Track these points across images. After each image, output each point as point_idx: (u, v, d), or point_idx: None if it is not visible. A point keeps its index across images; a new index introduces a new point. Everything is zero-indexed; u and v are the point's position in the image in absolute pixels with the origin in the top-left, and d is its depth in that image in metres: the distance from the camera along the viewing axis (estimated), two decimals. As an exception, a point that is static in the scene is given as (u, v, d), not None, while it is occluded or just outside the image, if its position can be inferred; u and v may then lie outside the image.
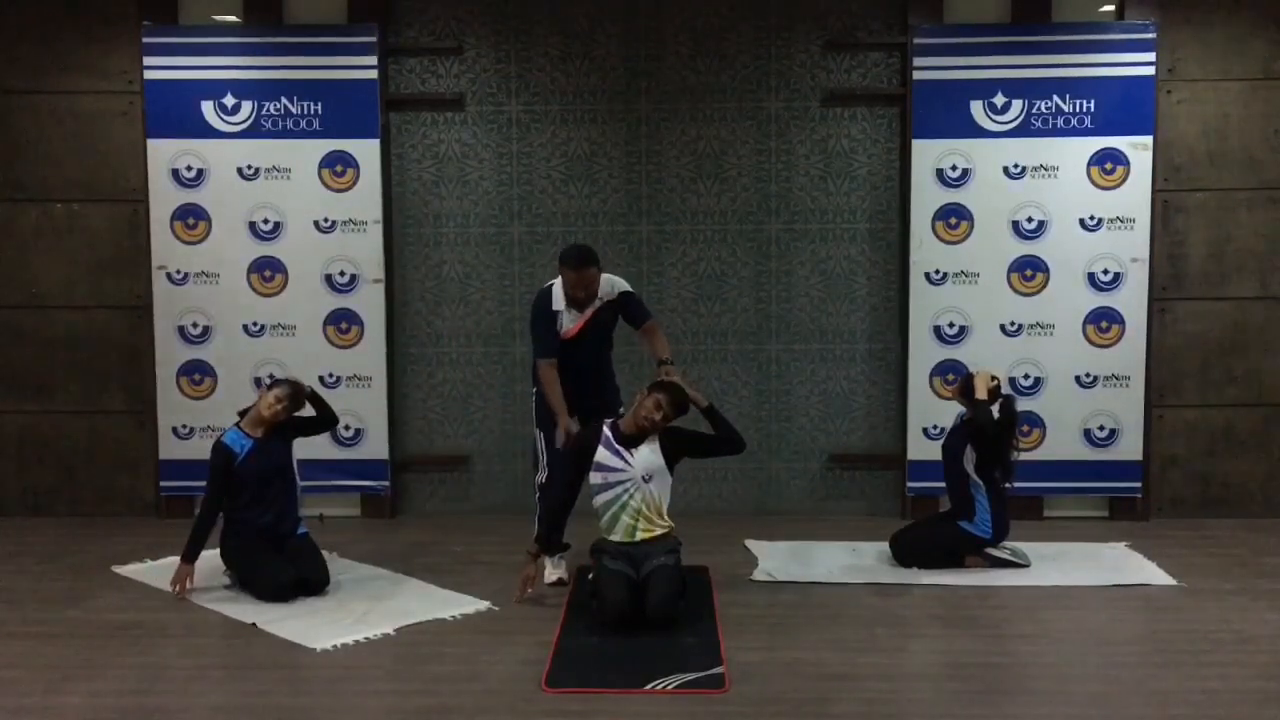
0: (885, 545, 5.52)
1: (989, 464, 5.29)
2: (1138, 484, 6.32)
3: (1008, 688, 3.99)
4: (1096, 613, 4.77)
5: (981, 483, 5.30)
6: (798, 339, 6.48)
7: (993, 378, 5.39)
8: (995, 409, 5.31)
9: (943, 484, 5.59)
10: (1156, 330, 6.28)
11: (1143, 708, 3.78)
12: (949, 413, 5.80)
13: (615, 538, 4.73)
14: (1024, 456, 5.72)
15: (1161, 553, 5.60)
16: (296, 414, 5.21)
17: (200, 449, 5.81)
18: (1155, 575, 5.24)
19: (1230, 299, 6.29)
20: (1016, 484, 5.48)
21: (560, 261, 4.98)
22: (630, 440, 4.76)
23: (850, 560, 5.50)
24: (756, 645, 4.33)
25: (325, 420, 5.33)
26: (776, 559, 5.52)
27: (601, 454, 4.74)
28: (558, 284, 5.02)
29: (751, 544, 5.79)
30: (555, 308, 4.98)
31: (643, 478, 4.73)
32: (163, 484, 6.42)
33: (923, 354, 6.29)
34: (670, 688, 3.90)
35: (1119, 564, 5.45)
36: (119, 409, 6.46)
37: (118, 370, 6.44)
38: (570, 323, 5.00)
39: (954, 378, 6.04)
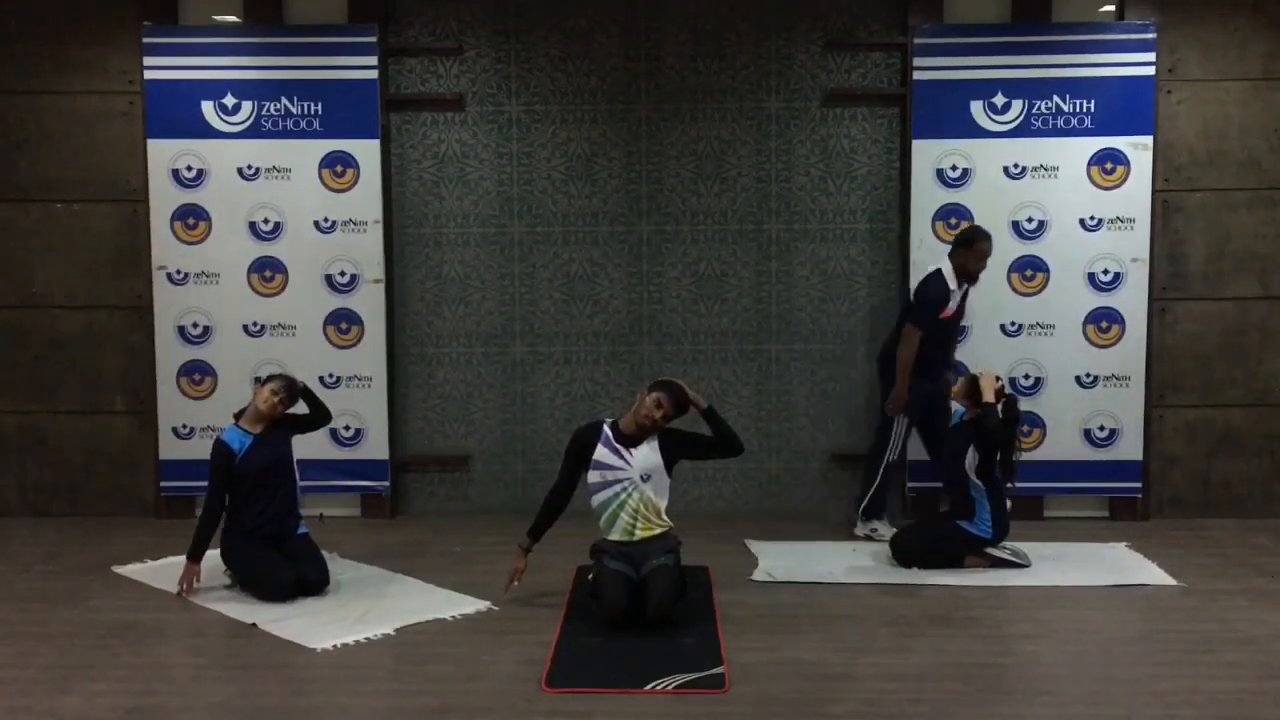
0: (885, 545, 5.52)
1: (991, 465, 5.28)
2: (1138, 484, 6.32)
3: (1008, 688, 3.98)
4: (1096, 613, 4.77)
5: (982, 484, 5.30)
6: (798, 339, 6.48)
7: (997, 378, 5.39)
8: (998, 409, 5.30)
9: (941, 484, 5.59)
10: (1156, 330, 6.28)
11: (1143, 708, 3.77)
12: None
13: (614, 537, 4.73)
14: (1024, 456, 5.71)
15: (1162, 553, 5.60)
16: (292, 411, 5.22)
17: (200, 449, 5.82)
18: (1155, 575, 5.25)
19: (1230, 299, 6.29)
20: (1017, 484, 5.48)
21: (977, 238, 5.76)
22: (629, 439, 4.76)
23: (850, 560, 5.51)
24: (756, 645, 4.33)
25: (320, 416, 5.33)
26: (776, 559, 5.52)
27: (600, 452, 4.74)
28: (946, 268, 5.74)
29: (751, 544, 5.79)
30: (951, 288, 5.69)
31: (641, 477, 4.73)
32: (163, 484, 6.43)
33: None
34: (670, 688, 3.90)
35: (1119, 564, 5.46)
36: (119, 409, 6.46)
37: (118, 370, 6.44)
38: (954, 304, 5.77)
39: (953, 377, 6.04)
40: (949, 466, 5.41)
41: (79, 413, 6.48)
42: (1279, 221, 6.26)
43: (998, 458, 5.27)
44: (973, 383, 5.36)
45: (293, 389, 5.18)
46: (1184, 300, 6.30)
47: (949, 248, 5.89)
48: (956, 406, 5.52)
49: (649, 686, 3.91)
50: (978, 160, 6.20)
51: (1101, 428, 6.29)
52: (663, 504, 4.78)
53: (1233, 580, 5.18)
